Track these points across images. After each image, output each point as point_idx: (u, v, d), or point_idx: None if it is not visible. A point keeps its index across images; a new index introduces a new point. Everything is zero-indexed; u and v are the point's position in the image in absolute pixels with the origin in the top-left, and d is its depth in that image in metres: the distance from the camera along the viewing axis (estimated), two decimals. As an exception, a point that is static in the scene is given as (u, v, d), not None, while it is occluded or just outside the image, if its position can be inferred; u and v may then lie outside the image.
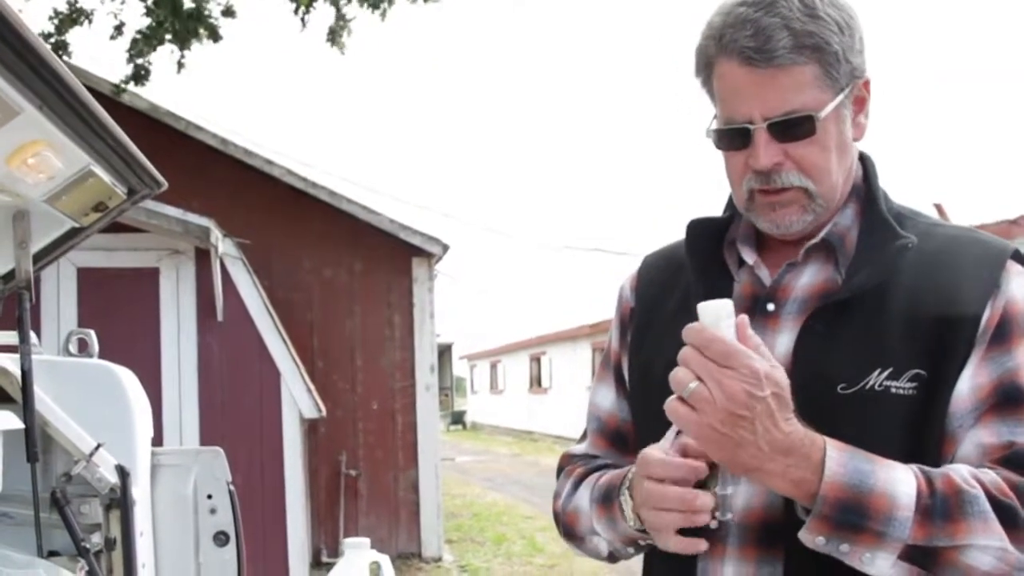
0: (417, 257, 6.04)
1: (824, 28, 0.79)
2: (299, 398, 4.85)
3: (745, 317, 0.74)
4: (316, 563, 5.44)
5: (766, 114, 0.80)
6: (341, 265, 5.96)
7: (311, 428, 5.53)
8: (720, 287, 0.89)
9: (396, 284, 6.02)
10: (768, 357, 0.74)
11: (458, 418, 23.05)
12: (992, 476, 0.74)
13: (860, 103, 0.85)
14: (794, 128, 0.80)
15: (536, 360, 18.36)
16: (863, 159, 0.91)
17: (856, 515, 0.71)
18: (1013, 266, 0.83)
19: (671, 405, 0.73)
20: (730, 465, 0.74)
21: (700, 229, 0.93)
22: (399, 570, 5.60)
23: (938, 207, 5.47)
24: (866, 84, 0.85)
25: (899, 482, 0.72)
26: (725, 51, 0.81)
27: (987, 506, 0.72)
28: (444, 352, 20.33)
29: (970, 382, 0.79)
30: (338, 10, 5.39)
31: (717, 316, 0.73)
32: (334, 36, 5.50)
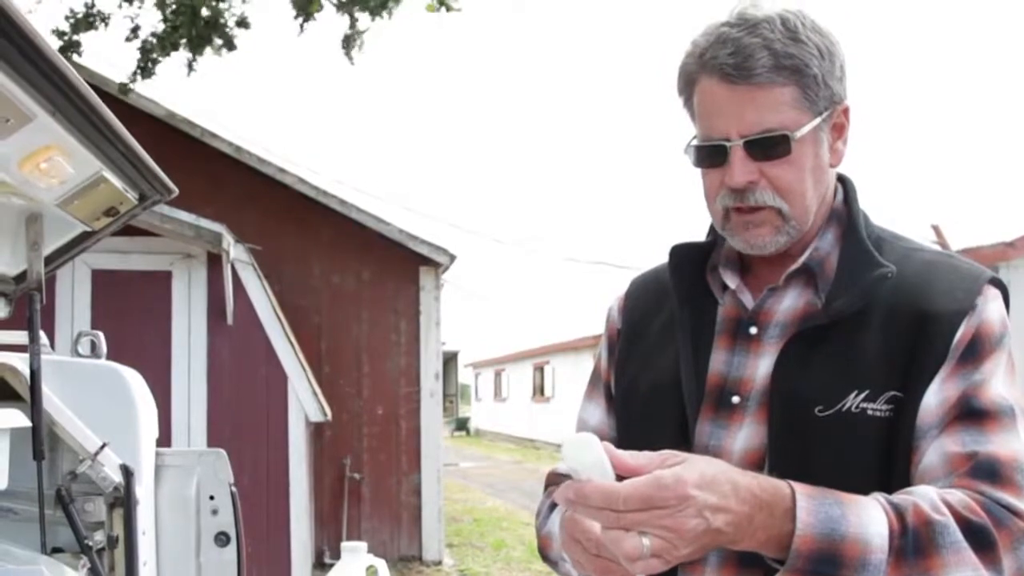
0: (424, 266, 6.08)
1: (805, 51, 0.80)
2: (305, 402, 4.87)
3: (609, 445, 0.68)
4: (319, 564, 5.46)
5: (743, 131, 0.81)
6: (349, 272, 6.01)
7: (317, 431, 5.56)
8: (704, 311, 0.90)
9: (403, 292, 6.06)
10: (651, 458, 0.67)
11: (462, 424, 23.06)
12: (959, 496, 0.73)
13: (839, 129, 0.86)
14: (770, 147, 0.81)
15: (539, 369, 18.38)
16: (843, 181, 0.92)
17: (830, 565, 0.69)
18: (990, 290, 0.83)
19: (644, 567, 0.66)
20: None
21: (683, 254, 0.94)
22: (400, 573, 5.61)
23: (936, 228, 5.46)
24: (845, 111, 0.86)
25: (871, 523, 0.70)
26: (706, 68, 0.82)
27: (958, 535, 0.71)
28: (450, 360, 20.31)
29: (937, 396, 0.79)
30: (352, 18, 5.43)
31: (587, 444, 0.65)
32: (349, 43, 5.54)
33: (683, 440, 0.85)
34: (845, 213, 0.90)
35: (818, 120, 0.82)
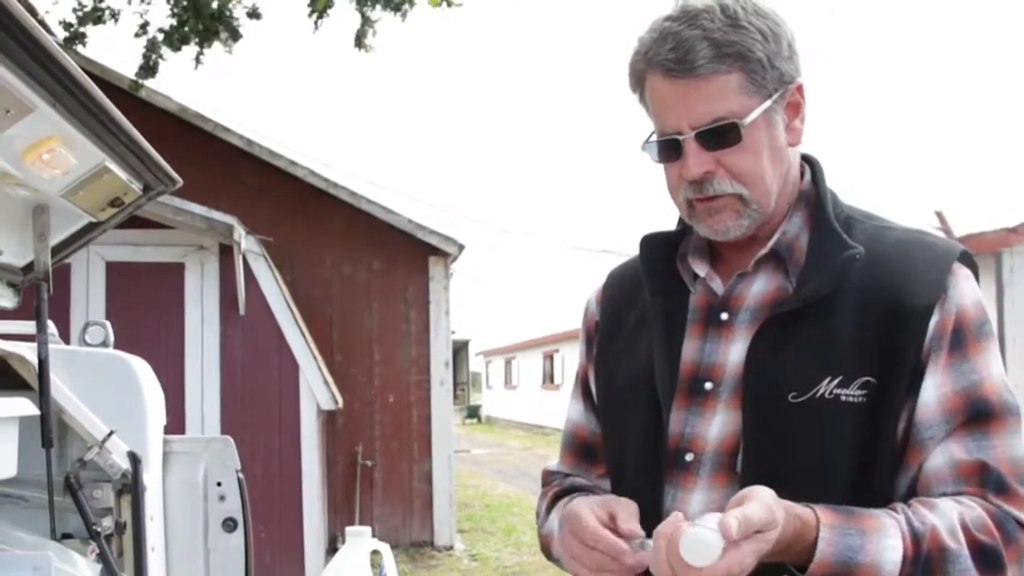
0: (434, 256, 6.10)
1: (747, 37, 0.80)
2: (317, 390, 4.92)
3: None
4: (332, 549, 5.52)
5: (693, 123, 0.81)
6: (360, 263, 6.04)
7: (329, 419, 5.61)
8: (676, 300, 0.90)
9: (413, 282, 6.09)
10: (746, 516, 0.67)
11: (473, 412, 23.20)
12: (977, 513, 0.74)
13: (794, 108, 0.85)
14: (721, 136, 0.81)
15: (549, 357, 18.47)
16: (811, 162, 0.91)
17: None
18: (960, 269, 0.82)
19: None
20: None
21: (654, 244, 0.94)
22: (412, 558, 5.66)
23: (939, 214, 5.39)
24: (799, 89, 0.85)
25: (886, 551, 0.72)
26: (651, 66, 0.83)
27: (968, 563, 0.72)
28: (461, 348, 20.41)
29: (935, 391, 0.78)
30: (363, 15, 5.42)
31: (713, 548, 0.66)
32: (360, 40, 5.53)
33: (659, 430, 0.86)
34: (813, 194, 0.89)
35: (768, 103, 0.81)
